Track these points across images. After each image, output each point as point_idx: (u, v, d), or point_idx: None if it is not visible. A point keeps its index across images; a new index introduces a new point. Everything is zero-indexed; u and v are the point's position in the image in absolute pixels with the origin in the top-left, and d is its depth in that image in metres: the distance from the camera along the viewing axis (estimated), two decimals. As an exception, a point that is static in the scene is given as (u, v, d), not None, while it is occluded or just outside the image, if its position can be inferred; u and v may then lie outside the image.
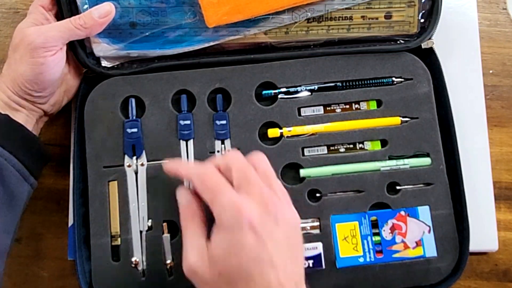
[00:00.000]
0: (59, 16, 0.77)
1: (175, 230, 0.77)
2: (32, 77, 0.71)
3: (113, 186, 0.78)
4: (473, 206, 0.77)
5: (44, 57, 0.71)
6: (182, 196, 0.68)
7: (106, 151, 0.78)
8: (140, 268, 0.75)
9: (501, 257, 0.83)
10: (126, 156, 0.78)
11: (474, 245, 0.77)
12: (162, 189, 0.78)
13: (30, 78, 0.71)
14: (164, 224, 0.77)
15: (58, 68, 0.74)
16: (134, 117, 0.79)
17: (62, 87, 0.79)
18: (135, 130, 0.78)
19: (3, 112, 0.72)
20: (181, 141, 0.79)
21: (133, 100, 0.79)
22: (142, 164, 0.77)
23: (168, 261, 0.76)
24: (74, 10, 0.76)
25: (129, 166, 0.77)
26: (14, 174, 0.71)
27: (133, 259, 0.75)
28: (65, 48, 0.74)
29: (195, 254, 0.63)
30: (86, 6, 0.75)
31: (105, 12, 0.74)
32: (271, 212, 0.62)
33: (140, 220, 0.76)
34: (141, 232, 0.76)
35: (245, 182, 0.64)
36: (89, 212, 0.77)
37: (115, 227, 0.77)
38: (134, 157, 0.78)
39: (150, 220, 0.77)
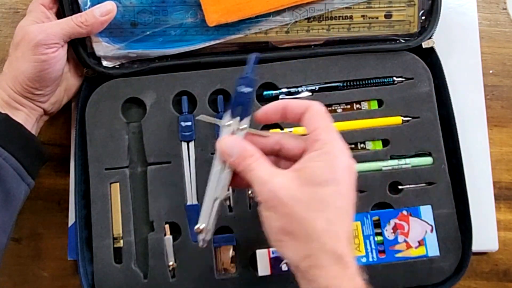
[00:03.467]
0: (60, 15, 0.77)
1: (177, 232, 0.77)
2: (34, 74, 0.71)
3: (115, 188, 0.78)
4: (473, 206, 0.77)
5: (46, 54, 0.71)
6: (231, 144, 0.64)
7: (108, 153, 0.78)
8: (203, 236, 0.67)
9: (501, 257, 0.83)
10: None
11: (474, 245, 0.77)
12: (164, 190, 0.77)
13: (31, 76, 0.71)
14: (166, 226, 0.77)
15: (59, 66, 0.73)
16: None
17: (62, 86, 0.78)
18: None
19: (2, 112, 0.72)
20: (182, 142, 0.79)
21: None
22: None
23: (171, 263, 0.76)
24: (75, 9, 0.76)
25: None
26: (11, 174, 0.70)
27: (200, 226, 0.66)
28: (66, 46, 0.74)
29: (280, 176, 0.60)
30: (87, 5, 0.75)
31: (106, 11, 0.74)
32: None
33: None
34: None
35: None
36: (91, 214, 0.77)
37: (117, 229, 0.77)
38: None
39: (152, 222, 0.77)
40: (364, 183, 0.78)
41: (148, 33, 0.78)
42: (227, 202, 0.69)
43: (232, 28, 0.79)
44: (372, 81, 0.81)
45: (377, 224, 0.78)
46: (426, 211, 0.77)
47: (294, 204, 0.58)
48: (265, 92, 0.80)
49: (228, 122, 0.66)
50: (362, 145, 0.80)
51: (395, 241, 0.77)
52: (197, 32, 0.79)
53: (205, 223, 0.66)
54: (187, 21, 0.78)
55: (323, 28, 0.80)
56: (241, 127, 0.65)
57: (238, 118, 0.66)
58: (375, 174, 0.78)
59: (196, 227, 0.66)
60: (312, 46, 0.82)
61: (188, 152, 0.79)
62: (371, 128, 0.80)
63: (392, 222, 0.77)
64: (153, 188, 0.78)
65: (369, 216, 0.78)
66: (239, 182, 0.65)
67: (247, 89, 0.66)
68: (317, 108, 0.63)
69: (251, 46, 0.81)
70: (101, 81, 0.80)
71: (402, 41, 0.81)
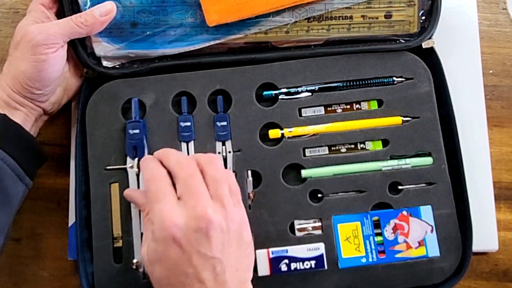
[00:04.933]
0: (59, 15, 0.77)
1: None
2: (33, 74, 0.71)
3: (115, 188, 0.78)
4: (473, 206, 0.77)
5: (45, 54, 0.71)
6: (133, 194, 0.74)
7: (108, 154, 0.78)
8: (141, 270, 0.75)
9: (501, 257, 0.83)
10: (128, 157, 0.77)
11: (474, 245, 0.77)
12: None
13: (31, 76, 0.71)
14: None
15: (59, 66, 0.73)
16: (137, 118, 0.78)
17: (62, 86, 0.79)
18: (136, 131, 0.77)
19: (1, 112, 0.72)
20: (181, 143, 0.79)
21: (136, 100, 0.79)
22: None
23: (170, 263, 0.76)
24: (75, 9, 0.76)
25: (131, 167, 0.76)
26: (9, 174, 0.71)
27: (134, 261, 0.75)
28: (66, 46, 0.74)
29: (143, 248, 0.66)
30: (87, 5, 0.75)
31: (106, 11, 0.74)
32: (202, 227, 0.62)
33: (141, 222, 0.76)
34: (142, 233, 0.76)
35: (185, 191, 0.64)
36: (91, 214, 0.77)
37: (117, 229, 0.77)
38: (136, 159, 0.77)
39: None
40: (364, 183, 0.78)
41: (148, 33, 0.78)
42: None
43: (232, 28, 0.79)
44: (372, 81, 0.81)
45: (377, 225, 0.78)
46: (426, 211, 0.77)
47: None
48: (264, 92, 0.80)
49: (130, 164, 0.77)
50: (362, 145, 0.80)
51: (395, 242, 0.77)
52: (197, 32, 0.79)
53: (139, 258, 0.76)
54: (187, 21, 0.78)
55: (323, 28, 0.80)
56: None
57: (137, 158, 0.77)
58: (375, 175, 0.78)
59: (134, 261, 0.75)
60: (312, 46, 0.82)
61: (188, 152, 0.78)
62: (371, 128, 0.80)
63: (392, 222, 0.77)
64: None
65: (369, 216, 0.77)
66: None
67: (135, 131, 0.77)
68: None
69: (251, 46, 0.81)
70: (101, 81, 0.80)
71: (402, 41, 0.81)
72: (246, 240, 0.66)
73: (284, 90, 0.80)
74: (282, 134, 0.79)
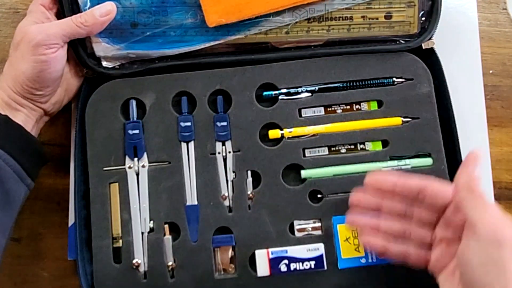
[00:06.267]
0: (60, 15, 0.77)
1: (177, 232, 0.77)
2: (34, 75, 0.71)
3: (114, 188, 0.78)
4: (473, 206, 0.77)
5: (45, 54, 0.71)
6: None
7: (107, 153, 0.78)
8: (141, 270, 0.75)
9: (501, 257, 0.83)
10: (127, 158, 0.78)
11: (474, 245, 0.77)
12: (163, 191, 0.78)
13: (31, 76, 0.71)
14: (166, 226, 0.77)
15: (59, 66, 0.73)
16: (135, 119, 0.79)
17: (62, 86, 0.78)
18: (136, 131, 0.78)
19: (3, 113, 0.72)
20: (181, 142, 0.79)
21: (134, 102, 0.79)
22: (143, 166, 0.77)
23: (170, 263, 0.76)
24: (75, 10, 0.76)
25: (130, 167, 0.77)
26: (11, 175, 0.70)
27: (134, 261, 0.75)
28: (66, 46, 0.74)
29: None
30: (87, 6, 0.75)
31: (106, 11, 0.74)
32: None
33: (141, 222, 0.76)
34: (142, 233, 0.76)
35: None
36: (91, 214, 0.77)
37: (117, 229, 0.77)
38: (136, 159, 0.77)
39: (151, 222, 0.77)
40: (363, 184, 0.78)
41: (148, 33, 0.78)
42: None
43: (232, 28, 0.79)
44: (372, 82, 0.81)
45: (376, 225, 0.77)
46: (426, 212, 0.77)
47: None
48: (264, 93, 0.80)
49: (129, 164, 0.78)
50: (361, 146, 0.80)
51: (395, 242, 0.77)
52: (197, 32, 0.79)
53: (140, 258, 0.76)
54: (187, 21, 0.78)
55: (323, 29, 0.80)
56: (141, 165, 0.78)
57: (136, 158, 0.78)
58: (374, 175, 0.78)
59: (134, 261, 0.76)
60: (312, 47, 0.82)
61: (188, 152, 0.79)
62: (371, 129, 0.80)
63: (392, 222, 0.77)
64: (152, 188, 0.78)
65: (368, 216, 0.77)
66: None
67: (135, 132, 0.78)
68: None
69: (251, 46, 0.81)
70: (101, 82, 0.80)
71: (402, 42, 0.81)
72: None
73: (284, 90, 0.80)
74: (282, 134, 0.79)
